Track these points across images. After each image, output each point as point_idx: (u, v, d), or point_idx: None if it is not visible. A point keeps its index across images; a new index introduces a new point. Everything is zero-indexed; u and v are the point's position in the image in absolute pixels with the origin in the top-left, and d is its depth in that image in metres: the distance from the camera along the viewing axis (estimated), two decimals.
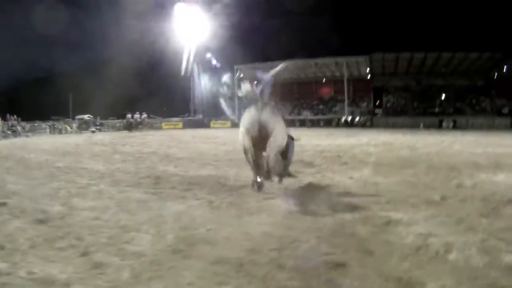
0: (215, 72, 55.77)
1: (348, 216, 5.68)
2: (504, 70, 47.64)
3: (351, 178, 9.19)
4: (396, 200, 6.76)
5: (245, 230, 4.93)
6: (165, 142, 21.30)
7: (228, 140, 21.01)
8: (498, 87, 48.00)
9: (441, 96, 50.82)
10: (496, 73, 48.79)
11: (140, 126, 41.47)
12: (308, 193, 7.47)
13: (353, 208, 6.15)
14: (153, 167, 10.92)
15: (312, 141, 19.18)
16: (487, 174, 9.68)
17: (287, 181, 7.98)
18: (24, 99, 56.62)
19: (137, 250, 4.23)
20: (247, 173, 8.18)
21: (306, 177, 9.14)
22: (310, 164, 11.27)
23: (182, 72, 54.16)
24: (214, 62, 52.57)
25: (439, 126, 42.78)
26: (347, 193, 7.43)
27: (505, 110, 45.27)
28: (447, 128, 41.64)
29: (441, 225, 5.26)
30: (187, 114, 55.77)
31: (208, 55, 52.08)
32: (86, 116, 43.99)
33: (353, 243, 4.45)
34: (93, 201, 6.62)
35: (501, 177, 9.21)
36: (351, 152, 14.64)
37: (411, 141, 21.62)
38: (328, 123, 47.96)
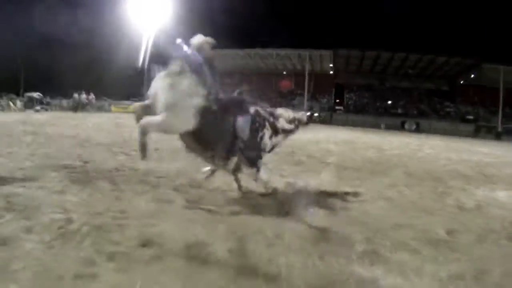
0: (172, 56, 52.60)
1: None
2: (472, 77, 46.22)
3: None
4: (380, 236, 4.05)
5: None
6: (101, 125, 18.30)
7: None
8: (463, 94, 47.27)
9: (405, 97, 49.40)
10: (462, 80, 47.81)
11: (87, 107, 38.43)
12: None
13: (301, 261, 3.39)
14: (49, 154, 7.83)
15: None
16: (482, 189, 7.52)
17: None
18: None
19: None
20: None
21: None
22: None
23: (141, 56, 50.83)
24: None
25: (401, 127, 41.23)
26: (290, 217, 4.63)
27: (469, 117, 44.33)
28: (409, 130, 40.13)
29: None
30: (139, 98, 52.02)
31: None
32: (35, 94, 40.19)
33: None
34: None
35: (502, 196, 7.02)
36: (307, 150, 11.89)
37: (375, 141, 19.53)
38: None
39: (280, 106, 6.64)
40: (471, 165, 11.74)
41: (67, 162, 6.97)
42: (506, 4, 45.59)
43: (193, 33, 5.37)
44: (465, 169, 10.57)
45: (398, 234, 4.13)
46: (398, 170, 9.12)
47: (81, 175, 5.86)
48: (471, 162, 12.71)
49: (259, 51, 46.81)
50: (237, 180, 5.40)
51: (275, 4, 55.37)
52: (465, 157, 14.53)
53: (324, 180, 6.93)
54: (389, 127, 40.02)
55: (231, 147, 4.79)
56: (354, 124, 40.80)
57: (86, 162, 7.17)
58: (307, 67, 47.20)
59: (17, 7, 49.33)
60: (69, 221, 3.69)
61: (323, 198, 5.47)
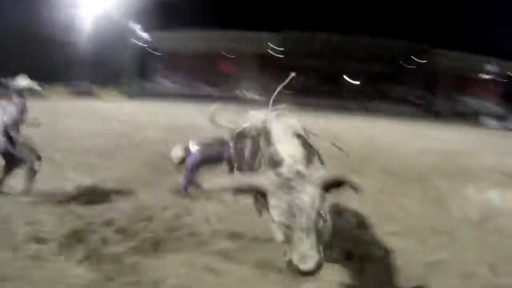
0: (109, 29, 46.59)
1: None
2: (421, 61, 47.62)
3: None
4: None
5: None
6: None
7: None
8: (411, 77, 48.29)
9: (351, 79, 49.77)
10: (410, 63, 48.66)
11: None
12: None
13: None
14: None
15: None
16: (472, 189, 6.83)
17: None
18: None
19: None
20: None
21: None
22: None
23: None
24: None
25: (351, 109, 41.01)
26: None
27: (414, 99, 46.44)
28: (359, 112, 39.88)
29: None
30: (70, 80, 45.91)
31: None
32: None
33: None
34: None
35: (495, 198, 6.35)
36: None
37: (326, 126, 18.31)
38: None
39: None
40: (440, 156, 11.25)
41: None
42: None
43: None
44: (439, 162, 10.12)
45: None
46: (371, 167, 8.35)
47: None
48: (437, 151, 12.26)
49: (202, 33, 44.72)
50: None
51: None
52: (429, 145, 13.94)
53: None
54: (338, 109, 39.50)
55: None
56: (304, 109, 39.84)
57: None
58: (254, 49, 46.12)
59: None
60: None
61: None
